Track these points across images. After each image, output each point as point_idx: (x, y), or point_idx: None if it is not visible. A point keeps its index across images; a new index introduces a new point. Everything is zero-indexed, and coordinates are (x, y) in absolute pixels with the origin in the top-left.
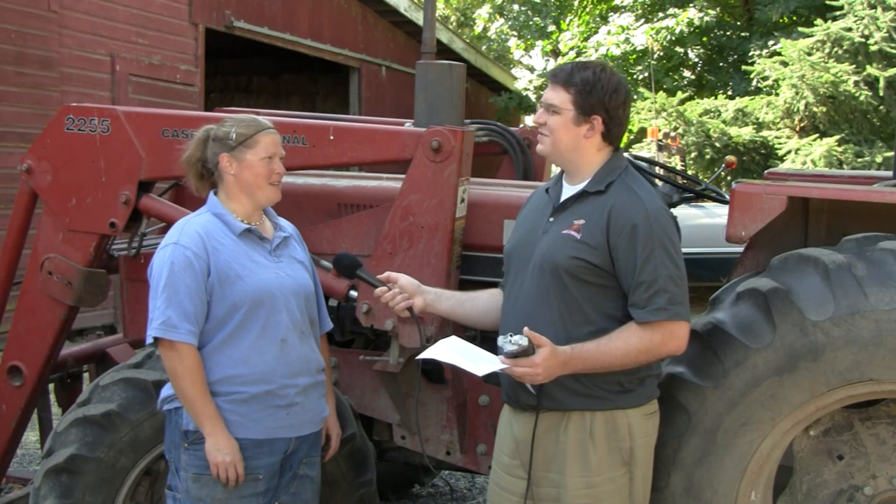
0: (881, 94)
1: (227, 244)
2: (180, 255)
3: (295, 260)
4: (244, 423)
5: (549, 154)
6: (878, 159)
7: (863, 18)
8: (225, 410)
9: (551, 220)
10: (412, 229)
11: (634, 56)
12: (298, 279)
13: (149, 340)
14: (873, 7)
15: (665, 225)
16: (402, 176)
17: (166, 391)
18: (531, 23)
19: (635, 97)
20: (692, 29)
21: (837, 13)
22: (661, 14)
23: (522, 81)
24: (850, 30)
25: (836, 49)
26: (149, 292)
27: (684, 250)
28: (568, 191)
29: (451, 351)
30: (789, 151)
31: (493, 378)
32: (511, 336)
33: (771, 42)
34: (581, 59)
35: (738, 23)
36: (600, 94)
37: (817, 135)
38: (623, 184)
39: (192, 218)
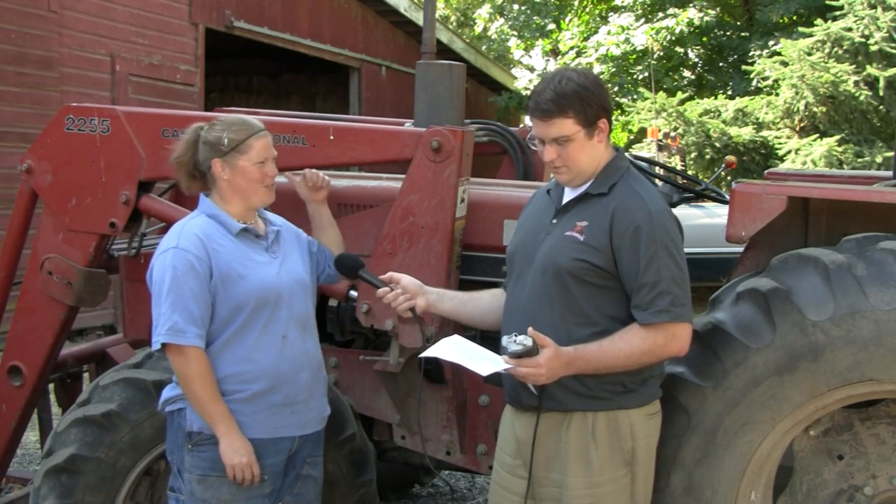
0: (881, 94)
1: (226, 245)
2: (182, 259)
3: (290, 254)
4: (249, 424)
5: (570, 181)
6: (878, 159)
7: (863, 18)
8: (230, 411)
9: (554, 221)
10: (412, 229)
11: (634, 56)
12: (296, 274)
13: (156, 346)
14: (873, 7)
15: (668, 227)
16: (402, 176)
17: (167, 393)
18: (531, 22)
19: (635, 97)
20: (692, 29)
21: (837, 13)
22: (661, 14)
23: (522, 81)
24: (850, 30)
25: (836, 49)
26: (149, 295)
27: (684, 250)
28: (570, 193)
29: (455, 350)
30: (789, 151)
31: (494, 378)
32: (515, 336)
33: (771, 42)
34: (538, 82)
35: (738, 23)
36: (594, 97)
37: (817, 135)
38: (626, 185)
39: (188, 221)
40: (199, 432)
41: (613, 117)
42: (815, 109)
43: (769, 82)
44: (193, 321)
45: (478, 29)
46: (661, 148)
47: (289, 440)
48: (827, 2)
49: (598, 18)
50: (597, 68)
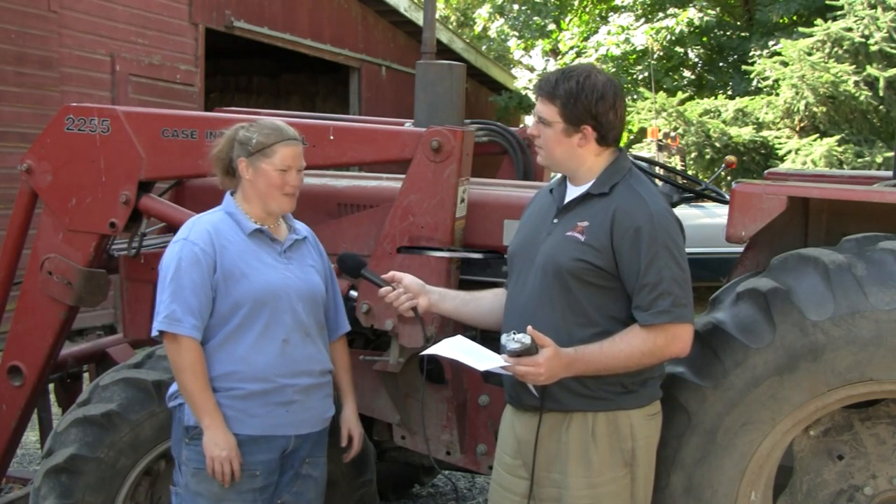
0: (881, 94)
1: (236, 242)
2: (188, 251)
3: (306, 263)
4: (242, 419)
5: (548, 165)
6: (878, 159)
7: (863, 18)
8: (223, 406)
9: (555, 221)
10: (412, 229)
11: (634, 56)
12: (307, 281)
13: (154, 333)
14: (873, 7)
15: (669, 227)
16: (402, 176)
17: (174, 387)
18: (531, 22)
19: (635, 97)
20: (692, 29)
21: (837, 13)
22: (661, 14)
23: (522, 81)
24: (850, 30)
25: (836, 49)
26: (152, 290)
27: (685, 250)
28: (572, 192)
29: (455, 348)
30: (789, 151)
31: (494, 378)
32: (515, 334)
33: (771, 42)
34: (571, 64)
35: (738, 23)
36: (585, 103)
37: (817, 135)
38: (627, 186)
39: (204, 215)
40: (195, 427)
41: None
42: (815, 109)
43: (769, 82)
44: (191, 312)
45: (478, 29)
46: (661, 148)
47: (283, 438)
48: (827, 2)
49: (598, 18)
50: None
